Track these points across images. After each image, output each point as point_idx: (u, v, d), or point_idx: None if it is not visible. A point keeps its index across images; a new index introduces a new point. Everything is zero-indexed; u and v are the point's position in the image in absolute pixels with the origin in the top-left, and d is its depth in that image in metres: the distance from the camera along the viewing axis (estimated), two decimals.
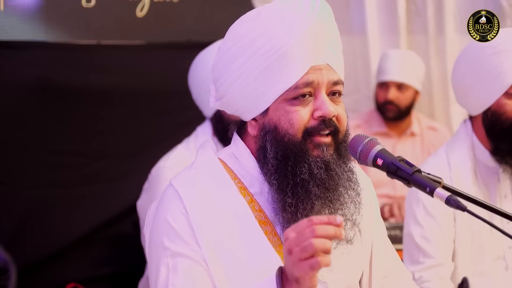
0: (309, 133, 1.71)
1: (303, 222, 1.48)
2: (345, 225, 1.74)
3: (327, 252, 1.45)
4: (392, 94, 4.39)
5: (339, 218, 1.46)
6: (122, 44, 3.97)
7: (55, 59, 3.71)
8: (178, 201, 1.73)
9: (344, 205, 1.73)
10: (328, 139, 1.72)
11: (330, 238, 1.45)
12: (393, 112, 4.42)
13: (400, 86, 4.41)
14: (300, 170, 1.69)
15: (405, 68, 4.43)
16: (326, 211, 1.72)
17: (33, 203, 3.63)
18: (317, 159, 1.70)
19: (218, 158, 1.83)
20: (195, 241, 1.70)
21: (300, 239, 1.46)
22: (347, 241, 1.76)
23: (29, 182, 3.63)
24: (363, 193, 1.82)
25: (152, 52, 4.04)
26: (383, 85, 4.44)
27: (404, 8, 4.66)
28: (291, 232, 1.49)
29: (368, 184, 1.95)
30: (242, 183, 1.79)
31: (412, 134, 4.51)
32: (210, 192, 1.75)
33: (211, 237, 1.70)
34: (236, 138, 1.85)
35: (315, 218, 1.47)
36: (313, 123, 1.71)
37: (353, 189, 1.75)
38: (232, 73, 1.75)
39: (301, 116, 1.70)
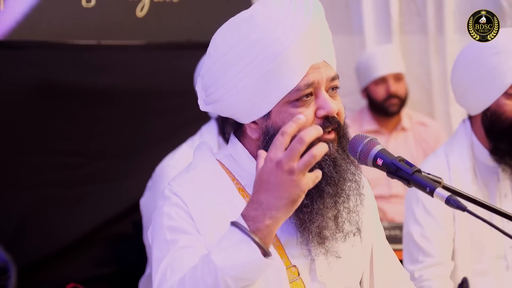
0: None
1: (279, 140, 1.51)
2: (350, 218, 1.76)
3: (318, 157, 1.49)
4: (394, 86, 4.45)
5: (299, 116, 1.53)
6: (122, 44, 3.97)
7: (55, 59, 3.71)
8: (177, 198, 1.73)
9: (348, 197, 1.75)
10: (332, 135, 1.73)
11: (317, 136, 1.50)
12: (397, 105, 4.48)
13: (397, 77, 4.47)
14: (311, 171, 1.69)
15: (396, 59, 4.51)
16: (337, 206, 1.73)
17: (33, 203, 3.63)
18: (325, 157, 1.71)
19: (216, 159, 1.83)
20: (196, 230, 1.69)
21: (293, 153, 1.48)
22: (354, 235, 1.78)
23: (29, 182, 3.63)
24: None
25: (152, 52, 4.05)
26: (380, 81, 4.47)
27: (397, 8, 4.67)
28: (276, 152, 1.51)
29: (366, 185, 1.95)
30: (240, 184, 1.79)
31: (403, 129, 4.56)
32: (208, 192, 1.74)
33: (209, 234, 1.69)
34: (233, 140, 1.85)
35: (286, 129, 1.51)
36: (317, 122, 1.72)
37: (355, 181, 1.76)
38: (230, 78, 1.73)
39: (306, 118, 1.70)
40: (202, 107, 1.86)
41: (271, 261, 1.55)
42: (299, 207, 1.67)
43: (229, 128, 1.88)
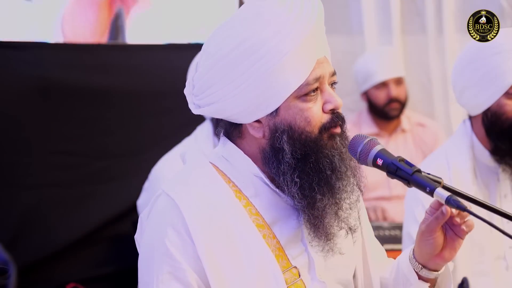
0: (326, 128, 1.72)
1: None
2: (350, 214, 1.76)
3: None
4: (395, 91, 4.44)
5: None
6: (122, 44, 3.97)
7: (55, 59, 3.71)
8: (177, 214, 1.70)
9: (350, 193, 1.75)
10: (339, 129, 1.74)
11: None
12: (398, 109, 4.47)
13: (397, 81, 4.47)
14: (323, 166, 1.69)
15: (396, 62, 4.50)
16: (340, 202, 1.74)
17: (33, 203, 3.63)
18: (333, 151, 1.72)
19: (209, 161, 1.81)
20: (193, 265, 1.67)
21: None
22: (352, 230, 1.78)
23: (29, 182, 3.63)
24: None
25: (152, 52, 4.05)
26: (381, 86, 4.46)
27: (399, 7, 4.67)
28: None
29: None
30: (236, 186, 1.77)
31: (403, 131, 4.56)
32: (206, 198, 1.72)
33: (212, 247, 1.68)
34: (225, 141, 1.83)
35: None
36: (327, 117, 1.72)
37: (355, 176, 1.77)
38: (236, 77, 1.70)
39: (316, 113, 1.71)
40: (195, 110, 1.83)
41: None
42: (312, 203, 1.69)
43: (220, 129, 1.85)
